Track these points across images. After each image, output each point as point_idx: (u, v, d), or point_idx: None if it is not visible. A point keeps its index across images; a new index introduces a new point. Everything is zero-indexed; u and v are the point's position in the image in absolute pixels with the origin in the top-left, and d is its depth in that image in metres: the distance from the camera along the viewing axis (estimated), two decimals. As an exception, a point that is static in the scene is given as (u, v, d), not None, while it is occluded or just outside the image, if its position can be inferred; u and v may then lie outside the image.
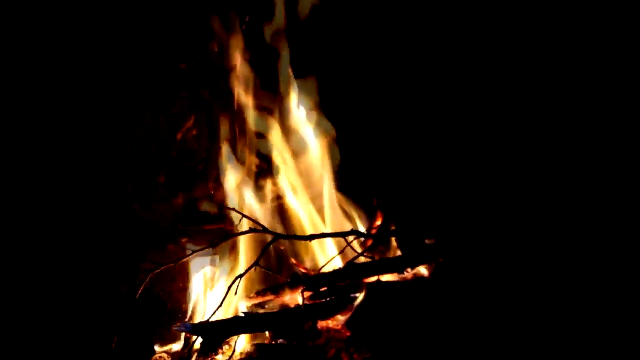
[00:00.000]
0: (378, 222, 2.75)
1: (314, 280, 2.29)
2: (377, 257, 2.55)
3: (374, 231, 2.70)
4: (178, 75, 2.75)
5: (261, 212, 2.60)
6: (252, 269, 2.20)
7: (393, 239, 2.57)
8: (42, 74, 2.51)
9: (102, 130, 2.61)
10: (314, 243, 2.51)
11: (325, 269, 2.44)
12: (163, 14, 2.68)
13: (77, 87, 2.56)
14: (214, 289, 2.41)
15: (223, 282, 2.41)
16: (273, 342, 2.13)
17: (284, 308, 2.28)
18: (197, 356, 2.06)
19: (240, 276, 2.16)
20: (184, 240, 2.59)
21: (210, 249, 2.28)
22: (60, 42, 2.52)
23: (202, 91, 2.79)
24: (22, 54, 2.48)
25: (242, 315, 2.18)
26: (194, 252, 2.27)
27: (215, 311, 2.11)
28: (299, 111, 2.76)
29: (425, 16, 2.91)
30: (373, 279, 2.37)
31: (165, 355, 2.24)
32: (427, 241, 2.60)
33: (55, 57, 2.53)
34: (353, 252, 2.43)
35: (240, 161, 2.71)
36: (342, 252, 2.46)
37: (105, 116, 2.61)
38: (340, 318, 2.20)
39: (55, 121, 2.53)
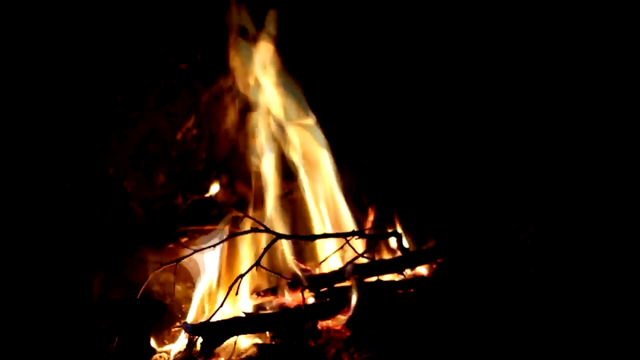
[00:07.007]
0: (370, 218, 2.76)
1: (314, 280, 2.29)
2: (377, 258, 2.56)
3: (371, 231, 2.71)
4: (178, 75, 2.75)
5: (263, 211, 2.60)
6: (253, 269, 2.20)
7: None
8: (43, 74, 2.50)
9: (103, 130, 2.61)
10: (316, 243, 2.51)
11: (324, 269, 2.46)
12: (163, 14, 2.68)
13: (77, 87, 2.56)
14: (215, 289, 2.41)
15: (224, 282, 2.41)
16: (273, 342, 2.14)
17: (285, 308, 2.29)
18: (198, 356, 2.06)
19: (241, 276, 2.16)
20: (184, 240, 2.58)
21: (211, 248, 2.28)
22: (60, 42, 2.52)
23: (202, 91, 2.80)
24: (23, 54, 2.47)
25: (243, 315, 2.18)
26: (194, 251, 2.27)
27: (215, 311, 2.11)
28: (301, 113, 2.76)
29: (426, 16, 2.92)
30: (373, 279, 2.38)
31: (165, 355, 2.23)
32: (427, 242, 2.61)
33: (56, 57, 2.52)
34: (354, 252, 2.43)
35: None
36: (340, 249, 2.45)
37: (106, 116, 2.61)
38: (341, 318, 2.20)
39: (55, 121, 2.52)
